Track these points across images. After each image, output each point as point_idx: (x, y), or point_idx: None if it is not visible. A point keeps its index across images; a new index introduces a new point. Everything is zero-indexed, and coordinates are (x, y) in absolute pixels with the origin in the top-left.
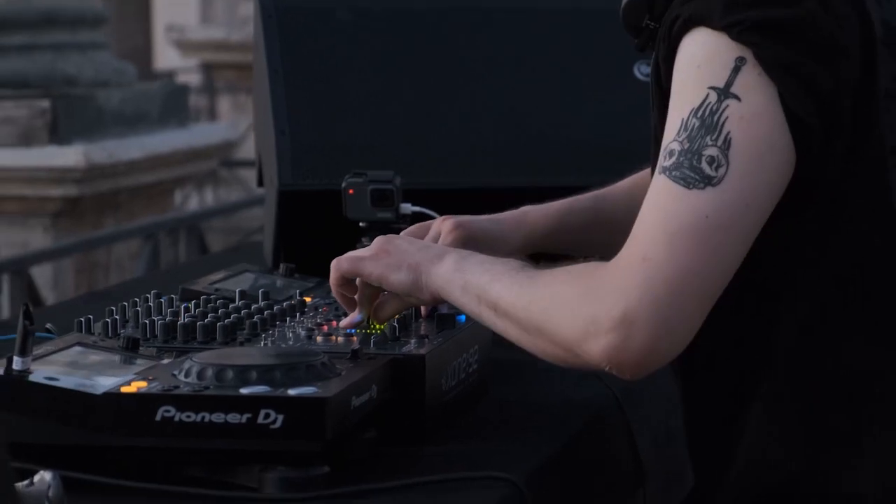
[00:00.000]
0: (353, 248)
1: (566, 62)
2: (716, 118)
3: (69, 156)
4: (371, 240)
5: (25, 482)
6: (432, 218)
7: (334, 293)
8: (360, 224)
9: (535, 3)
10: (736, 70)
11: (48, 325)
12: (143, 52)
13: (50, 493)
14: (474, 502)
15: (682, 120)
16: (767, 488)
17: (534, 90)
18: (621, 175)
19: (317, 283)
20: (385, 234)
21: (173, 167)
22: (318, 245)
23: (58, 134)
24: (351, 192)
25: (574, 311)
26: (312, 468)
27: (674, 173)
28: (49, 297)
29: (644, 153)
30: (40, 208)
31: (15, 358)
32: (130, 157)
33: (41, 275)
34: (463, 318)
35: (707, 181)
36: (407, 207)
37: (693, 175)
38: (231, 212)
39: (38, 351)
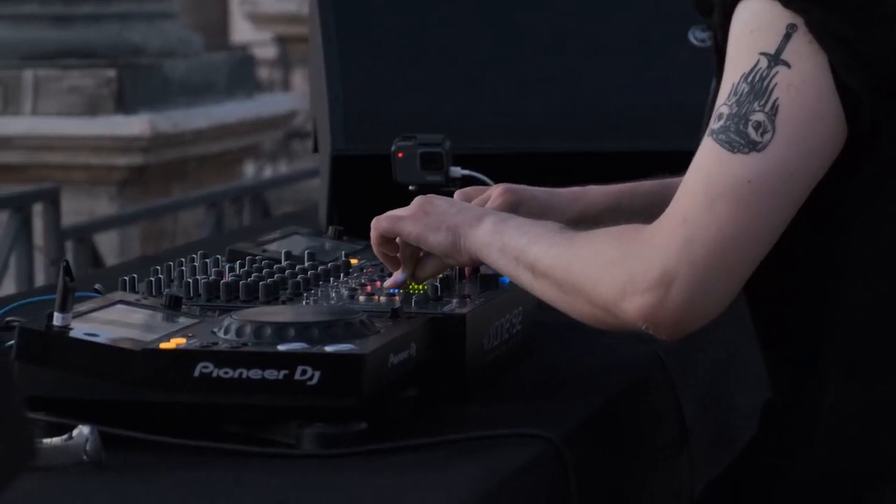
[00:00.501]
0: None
1: (620, 27)
2: (765, 84)
3: (134, 125)
4: None
5: (64, 437)
6: (483, 182)
7: (376, 252)
8: (410, 187)
9: None
10: (787, 37)
11: (97, 286)
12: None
13: (87, 448)
14: (511, 460)
15: (733, 84)
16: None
17: (587, 55)
18: (670, 141)
19: (365, 245)
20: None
21: (240, 137)
22: (370, 209)
23: (124, 103)
24: (400, 155)
25: (612, 270)
26: (350, 425)
27: (720, 136)
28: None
29: (697, 119)
30: (106, 177)
31: (55, 314)
32: (196, 126)
33: (108, 243)
34: (507, 279)
35: (752, 146)
36: (457, 171)
37: (738, 139)
38: (295, 180)
39: (79, 308)
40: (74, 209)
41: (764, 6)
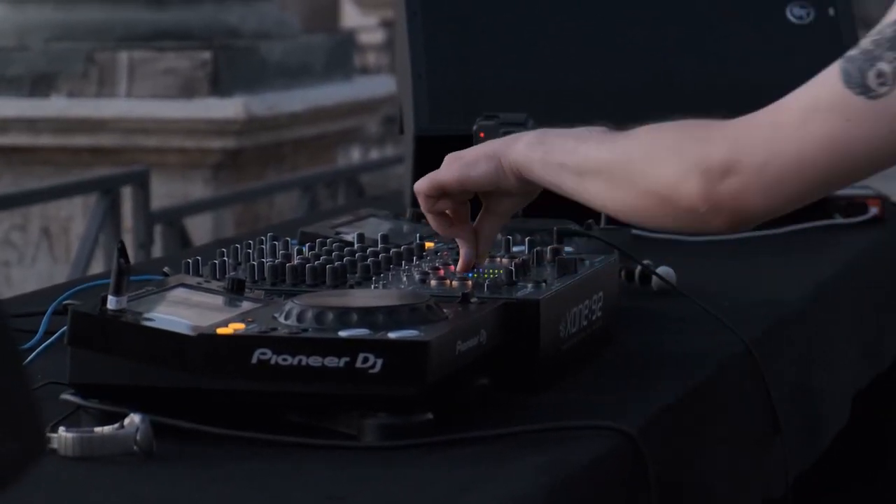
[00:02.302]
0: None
1: (718, 4)
2: None
3: (229, 108)
4: None
5: (115, 425)
6: None
7: (430, 222)
8: None
9: None
10: None
11: (165, 269)
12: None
13: (138, 437)
14: (584, 453)
15: (885, 24)
16: None
17: (679, 31)
18: None
19: None
20: None
21: (337, 120)
22: None
23: (219, 86)
24: (482, 135)
25: (679, 151)
26: (414, 415)
27: (845, 65)
28: None
29: None
30: (201, 161)
31: (109, 297)
32: (292, 109)
33: (201, 227)
34: (587, 262)
35: (865, 91)
36: None
37: (858, 77)
38: (390, 164)
39: (138, 291)
40: (168, 192)
41: None
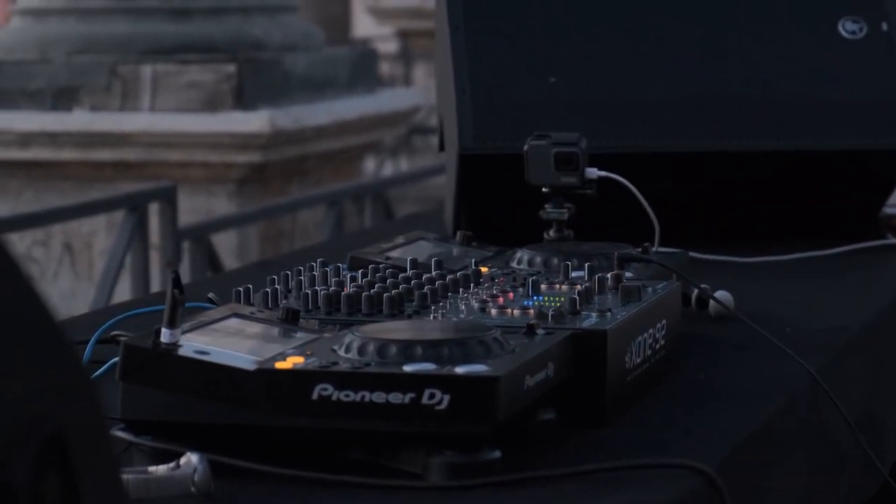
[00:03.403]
0: (536, 215)
1: (767, 19)
2: None
3: (254, 121)
4: (555, 206)
5: (171, 465)
6: (622, 184)
7: None
8: (543, 189)
9: None
10: None
11: (210, 295)
12: (340, 20)
13: (196, 478)
14: (662, 494)
15: None
16: None
17: (731, 48)
18: (820, 140)
19: (496, 251)
20: (569, 199)
21: (361, 133)
22: (501, 211)
23: (243, 99)
24: (533, 155)
25: None
26: (482, 453)
27: None
28: (233, 264)
29: (847, 117)
30: (225, 175)
31: (163, 330)
32: (317, 122)
33: (226, 242)
34: (650, 289)
35: None
36: (593, 172)
37: None
38: (418, 179)
39: (191, 322)
40: (192, 207)
41: None
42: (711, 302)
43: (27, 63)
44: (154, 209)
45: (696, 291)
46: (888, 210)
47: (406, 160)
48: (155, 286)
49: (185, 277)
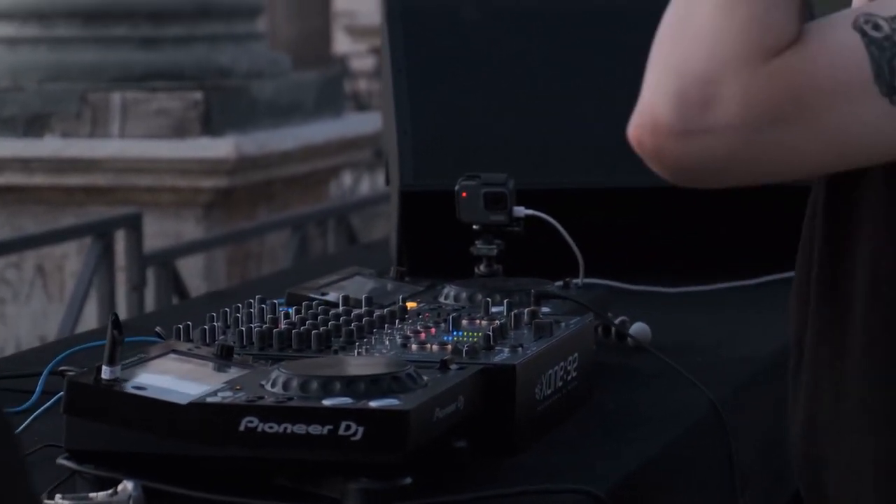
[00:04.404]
0: (461, 251)
1: None
2: None
3: (220, 147)
4: (485, 242)
5: (110, 491)
6: (542, 222)
7: None
8: (474, 227)
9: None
10: None
11: (157, 329)
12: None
13: (131, 503)
14: None
15: None
16: None
17: None
18: None
19: (427, 287)
20: (498, 236)
21: (327, 157)
22: (441, 245)
23: (210, 125)
24: (464, 195)
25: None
26: (395, 480)
27: (873, 50)
28: (201, 286)
29: None
30: (193, 199)
31: (104, 367)
32: (283, 147)
33: (194, 265)
34: (563, 324)
35: (892, 92)
36: (520, 210)
37: (886, 73)
38: (381, 201)
39: (131, 359)
40: (161, 231)
41: None
42: (632, 331)
43: (0, 91)
44: (120, 235)
45: (616, 322)
46: None
47: (368, 181)
48: (122, 310)
49: (151, 302)
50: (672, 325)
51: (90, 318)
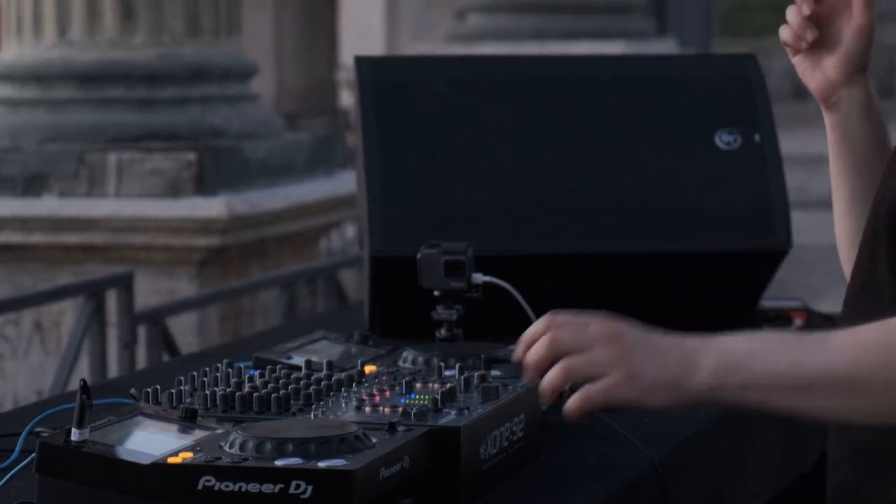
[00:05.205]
0: (430, 314)
1: (649, 130)
2: None
3: (212, 207)
4: (445, 308)
5: None
6: (504, 289)
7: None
8: (435, 293)
9: (619, 73)
10: None
11: (132, 391)
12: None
13: None
14: None
15: None
16: None
17: (614, 158)
18: (696, 243)
19: (388, 350)
20: (458, 301)
21: (318, 216)
22: (410, 309)
23: (204, 185)
24: (425, 262)
25: None
26: None
27: None
28: (193, 343)
29: (724, 221)
30: (186, 258)
31: (73, 429)
32: (274, 207)
33: (187, 321)
34: (510, 387)
35: None
36: (478, 277)
37: None
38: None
39: (100, 421)
40: (155, 288)
41: None
42: None
43: (0, 151)
44: (112, 294)
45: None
46: (765, 304)
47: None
48: (113, 367)
49: (142, 360)
50: None
51: (83, 375)
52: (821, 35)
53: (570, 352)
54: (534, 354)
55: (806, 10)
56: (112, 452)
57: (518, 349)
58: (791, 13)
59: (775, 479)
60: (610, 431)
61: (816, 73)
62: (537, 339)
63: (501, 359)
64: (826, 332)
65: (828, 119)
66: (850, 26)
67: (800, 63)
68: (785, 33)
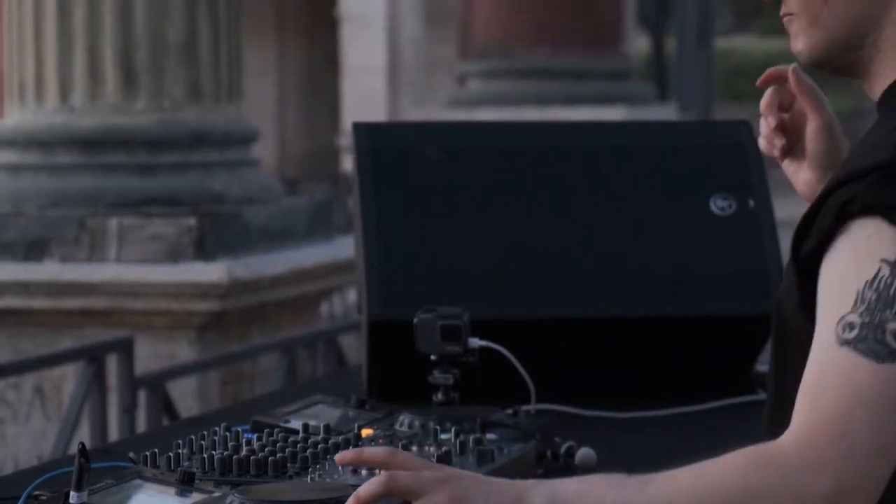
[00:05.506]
0: (427, 378)
1: (645, 196)
2: (891, 292)
3: (212, 272)
4: (441, 372)
5: None
6: (498, 351)
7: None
8: (431, 357)
9: (615, 139)
10: None
11: (131, 455)
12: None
13: None
14: None
15: (858, 291)
16: None
17: (611, 224)
18: (692, 307)
19: (385, 413)
20: (454, 366)
21: (318, 280)
22: (406, 372)
23: (204, 250)
24: (422, 327)
25: (773, 498)
26: None
27: (860, 346)
28: (194, 407)
29: (719, 286)
30: (186, 322)
31: (71, 493)
32: (273, 272)
33: (188, 385)
34: (505, 451)
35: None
36: (474, 342)
37: (881, 349)
38: None
39: (98, 484)
40: (155, 353)
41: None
42: (577, 456)
43: (1, 216)
44: (113, 358)
45: (563, 448)
46: (759, 367)
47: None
48: (113, 431)
49: (142, 424)
50: (622, 449)
51: (84, 439)
52: (793, 141)
53: (405, 494)
54: (367, 489)
55: (771, 123)
56: None
57: (347, 456)
58: (761, 123)
59: None
60: None
61: (798, 177)
62: (372, 462)
63: (497, 422)
64: (652, 475)
65: None
66: (809, 128)
67: (786, 168)
68: (760, 143)
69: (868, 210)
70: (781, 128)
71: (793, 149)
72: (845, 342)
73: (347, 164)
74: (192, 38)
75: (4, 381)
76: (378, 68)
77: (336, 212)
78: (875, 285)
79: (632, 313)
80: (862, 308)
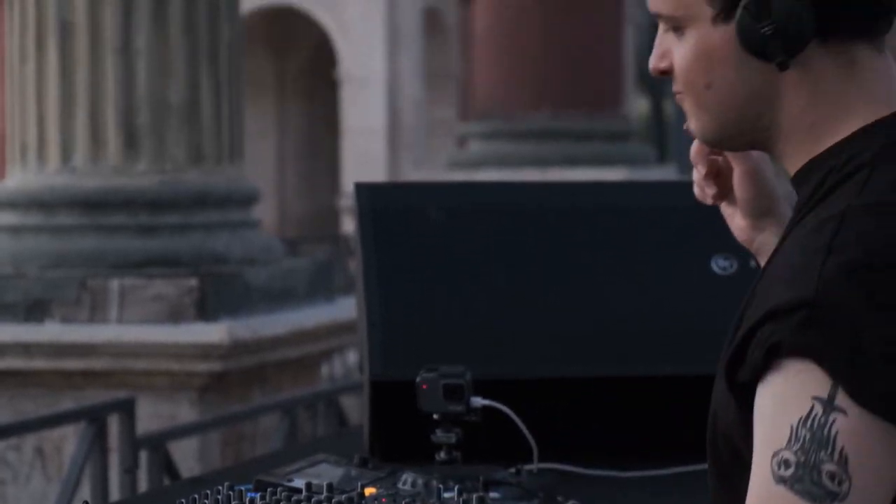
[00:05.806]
0: (429, 437)
1: (646, 256)
2: (825, 432)
3: (213, 332)
4: (444, 431)
5: None
6: (500, 410)
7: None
8: (434, 416)
9: (615, 199)
10: (836, 386)
11: None
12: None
13: None
14: None
15: (792, 427)
16: None
17: (612, 283)
18: (694, 367)
19: (388, 472)
20: (457, 424)
21: (318, 341)
22: (409, 432)
23: (205, 311)
24: (424, 386)
25: None
26: None
27: (796, 486)
28: (195, 468)
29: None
30: (187, 382)
31: None
32: (274, 332)
33: (188, 446)
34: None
35: (832, 497)
36: (477, 401)
37: (818, 490)
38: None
39: None
40: (156, 413)
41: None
42: None
43: (2, 277)
44: (114, 419)
45: None
46: None
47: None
48: (114, 492)
49: (143, 485)
50: None
51: (84, 500)
52: (728, 187)
53: None
54: None
55: (701, 171)
56: None
57: None
58: (693, 172)
59: None
60: None
61: (733, 222)
62: None
63: (500, 481)
64: None
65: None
66: (734, 176)
67: (724, 211)
68: (695, 190)
69: (796, 353)
70: (716, 173)
71: (728, 194)
72: (781, 479)
73: (347, 224)
74: (193, 99)
75: (5, 442)
76: (378, 130)
77: (336, 272)
78: (809, 424)
79: (633, 372)
80: (797, 446)
